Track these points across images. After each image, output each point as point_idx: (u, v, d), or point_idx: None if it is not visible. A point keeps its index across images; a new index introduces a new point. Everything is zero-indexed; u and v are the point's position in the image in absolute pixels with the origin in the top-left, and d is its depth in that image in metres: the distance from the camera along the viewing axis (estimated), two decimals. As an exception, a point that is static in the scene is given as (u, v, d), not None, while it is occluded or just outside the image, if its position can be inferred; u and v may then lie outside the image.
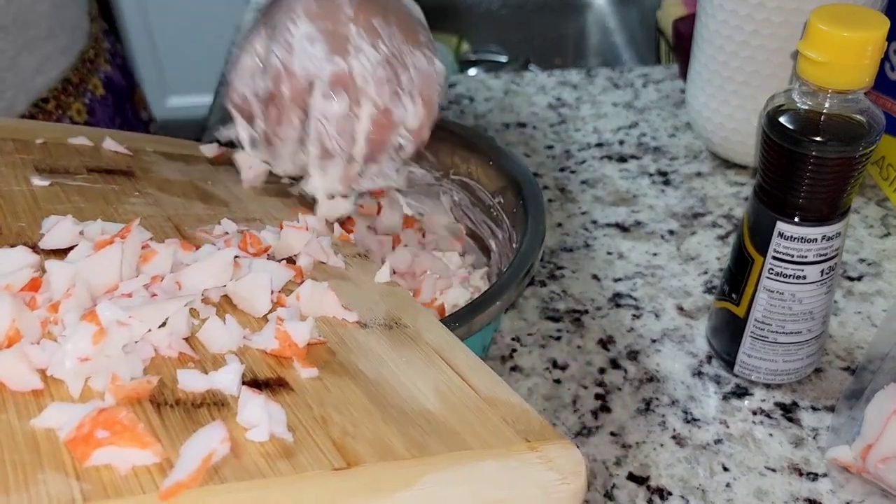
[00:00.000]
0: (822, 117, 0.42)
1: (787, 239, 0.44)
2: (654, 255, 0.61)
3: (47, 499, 0.25)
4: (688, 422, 0.49)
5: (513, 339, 0.54)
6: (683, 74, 0.80)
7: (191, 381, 0.31)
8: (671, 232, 0.63)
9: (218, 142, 0.55)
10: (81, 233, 0.38)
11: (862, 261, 0.59)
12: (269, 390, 0.32)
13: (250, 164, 0.52)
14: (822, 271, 0.45)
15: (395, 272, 0.51)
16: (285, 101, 0.47)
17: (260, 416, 0.30)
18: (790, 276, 0.45)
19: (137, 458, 0.28)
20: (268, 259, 0.41)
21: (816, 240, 0.44)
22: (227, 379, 0.32)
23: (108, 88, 0.70)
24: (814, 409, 0.49)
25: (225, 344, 0.34)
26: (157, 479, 0.27)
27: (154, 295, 0.35)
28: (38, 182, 0.43)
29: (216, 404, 0.31)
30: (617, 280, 0.59)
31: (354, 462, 0.30)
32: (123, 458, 0.28)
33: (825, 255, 0.45)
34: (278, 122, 0.48)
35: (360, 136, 0.48)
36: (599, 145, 0.73)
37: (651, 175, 0.69)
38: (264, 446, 0.30)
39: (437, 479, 0.31)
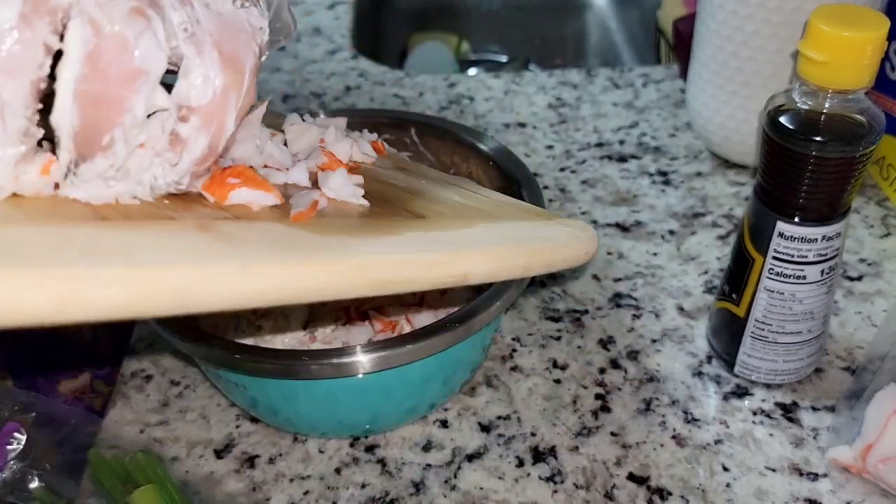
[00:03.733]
0: (823, 117, 0.42)
1: (787, 239, 0.44)
2: (655, 254, 0.61)
3: (210, 216, 0.32)
4: (688, 422, 0.48)
5: (513, 339, 0.54)
6: (683, 74, 0.80)
7: (272, 178, 0.38)
8: (671, 232, 0.63)
9: None
10: None
11: (862, 261, 0.59)
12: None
13: None
14: (822, 271, 0.45)
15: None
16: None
17: (342, 181, 0.39)
18: (790, 276, 0.45)
19: (263, 199, 0.35)
20: None
21: (817, 240, 0.44)
22: (298, 174, 0.39)
23: None
24: (814, 409, 0.49)
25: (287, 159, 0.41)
26: (280, 216, 0.34)
27: None
28: None
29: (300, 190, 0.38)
30: (617, 280, 0.59)
31: (421, 216, 0.39)
32: (253, 197, 0.34)
33: (825, 255, 0.45)
34: None
35: (63, 86, 0.27)
36: (599, 145, 0.73)
37: (651, 175, 0.69)
38: (350, 206, 0.38)
39: (490, 227, 0.40)
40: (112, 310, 0.25)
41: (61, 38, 0.26)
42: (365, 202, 0.39)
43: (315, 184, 0.40)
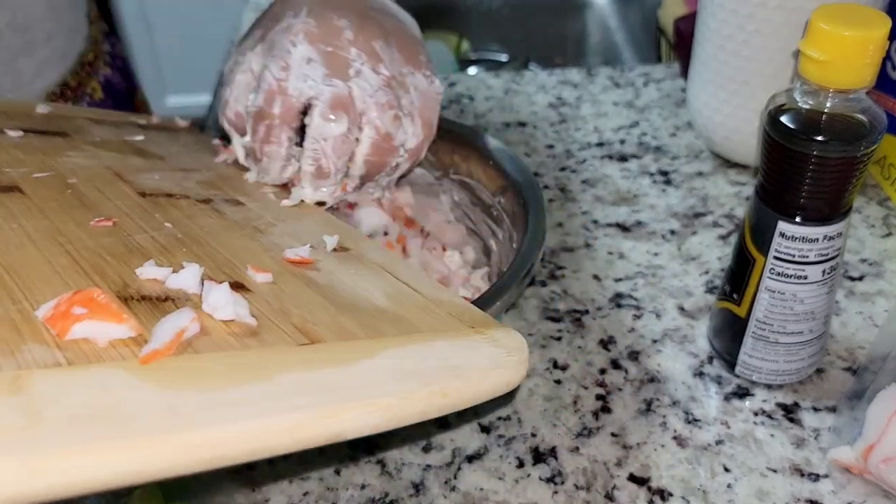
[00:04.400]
0: (824, 117, 0.42)
1: (788, 239, 0.44)
2: (655, 254, 0.61)
3: (34, 363, 0.26)
4: (689, 422, 0.48)
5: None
6: (684, 73, 0.80)
7: (151, 275, 0.34)
8: (672, 232, 0.63)
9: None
10: None
11: (863, 261, 0.59)
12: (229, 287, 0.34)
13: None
14: (823, 271, 0.45)
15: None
16: (275, 119, 0.47)
17: (225, 299, 0.32)
18: (791, 276, 0.45)
19: (114, 332, 0.29)
20: None
21: (818, 240, 0.44)
22: (187, 278, 0.34)
23: (106, 91, 0.70)
24: (815, 409, 0.49)
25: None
26: (134, 351, 0.28)
27: None
28: None
29: (180, 299, 0.33)
30: (618, 280, 0.59)
31: (317, 340, 0.33)
32: (101, 331, 0.29)
33: (827, 255, 0.45)
34: (266, 140, 0.48)
35: (358, 158, 0.48)
36: (600, 144, 0.73)
37: (652, 174, 0.69)
38: (231, 326, 0.32)
39: (394, 353, 0.34)
40: None
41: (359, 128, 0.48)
42: (251, 321, 0.33)
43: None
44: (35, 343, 0.28)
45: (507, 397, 0.50)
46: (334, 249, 0.43)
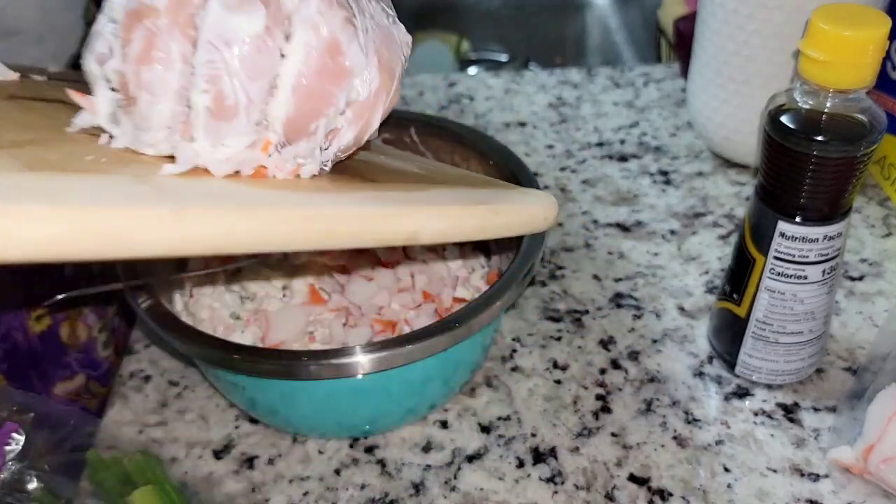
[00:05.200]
0: (824, 117, 0.42)
1: (788, 239, 0.44)
2: (655, 254, 0.61)
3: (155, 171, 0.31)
4: (689, 422, 0.48)
5: (513, 340, 0.54)
6: (684, 73, 0.80)
7: None
8: (672, 232, 0.63)
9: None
10: None
11: (863, 261, 0.59)
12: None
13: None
14: (823, 271, 0.45)
15: (398, 278, 0.51)
16: (159, 17, 0.29)
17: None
18: (791, 276, 0.45)
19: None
20: None
21: (818, 240, 0.44)
22: None
23: None
24: (815, 409, 0.49)
25: None
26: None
27: None
28: None
29: None
30: (618, 280, 0.59)
31: (376, 181, 0.37)
32: None
33: (826, 255, 0.45)
34: (144, 57, 0.30)
35: (284, 85, 0.31)
36: (600, 144, 0.73)
37: (652, 174, 0.69)
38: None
39: (446, 191, 0.38)
40: (36, 248, 0.24)
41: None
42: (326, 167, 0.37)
43: None
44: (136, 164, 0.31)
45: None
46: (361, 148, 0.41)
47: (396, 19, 0.37)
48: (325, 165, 0.35)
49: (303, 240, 0.30)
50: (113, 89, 0.32)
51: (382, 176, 0.38)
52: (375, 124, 0.35)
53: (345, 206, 0.32)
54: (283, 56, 0.31)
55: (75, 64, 0.66)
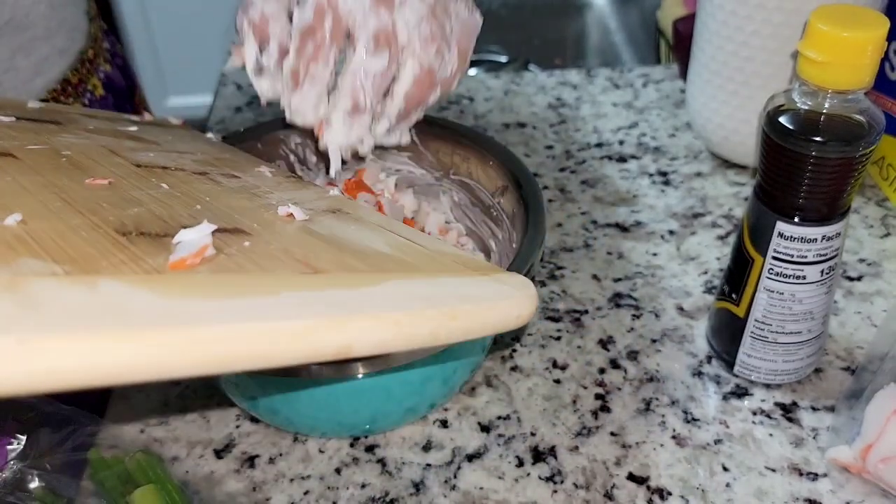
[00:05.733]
0: (822, 117, 0.42)
1: (786, 239, 0.44)
2: (654, 255, 0.61)
3: (31, 272, 0.25)
4: (688, 422, 0.49)
5: (513, 339, 0.54)
6: (683, 74, 0.80)
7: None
8: (671, 232, 0.63)
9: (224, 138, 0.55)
10: None
11: (862, 261, 0.59)
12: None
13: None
14: (822, 271, 0.45)
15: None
16: (326, 37, 0.44)
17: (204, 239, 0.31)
18: (790, 276, 0.45)
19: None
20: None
21: (816, 240, 0.44)
22: (197, 232, 0.31)
23: (107, 88, 0.70)
24: (814, 409, 0.49)
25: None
26: (132, 268, 0.28)
27: None
28: None
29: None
30: (617, 280, 0.59)
31: (321, 271, 0.32)
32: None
33: (825, 255, 0.45)
34: (314, 58, 0.45)
35: (398, 95, 0.46)
36: (599, 145, 0.73)
37: (651, 175, 0.69)
38: (231, 259, 0.31)
39: (401, 283, 0.33)
40: None
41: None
42: (302, 216, 0.37)
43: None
44: (30, 257, 0.26)
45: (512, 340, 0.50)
46: (334, 211, 0.42)
47: (475, 7, 0.48)
48: (410, 130, 0.50)
49: (193, 367, 0.25)
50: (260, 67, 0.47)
51: (334, 262, 0.33)
52: (454, 87, 0.49)
53: (259, 320, 0.27)
54: (394, 77, 0.46)
55: (81, 60, 0.66)
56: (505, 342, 0.54)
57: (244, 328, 0.26)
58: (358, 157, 0.52)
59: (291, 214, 0.39)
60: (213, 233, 0.31)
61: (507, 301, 0.34)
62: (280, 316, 0.27)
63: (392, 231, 0.41)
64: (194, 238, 0.30)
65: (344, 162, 0.49)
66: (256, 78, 0.47)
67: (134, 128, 0.51)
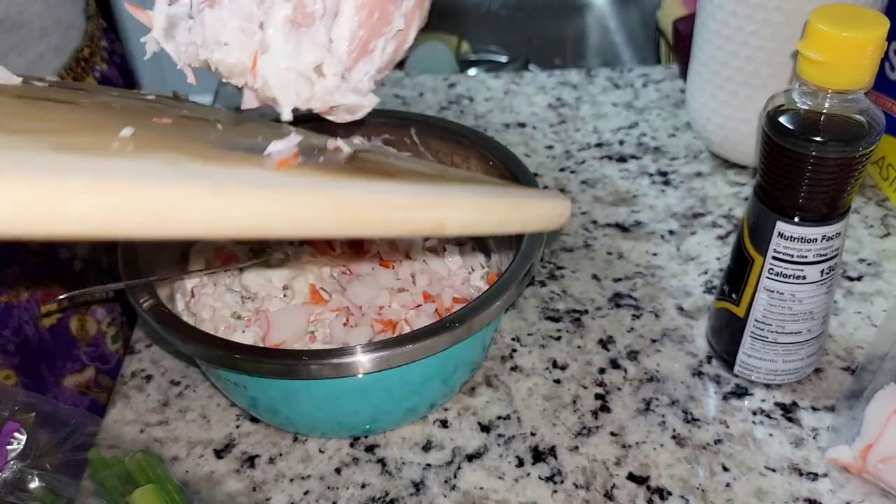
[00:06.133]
0: (822, 117, 0.42)
1: (786, 239, 0.44)
2: (654, 255, 0.61)
3: None
4: (688, 422, 0.49)
5: (513, 339, 0.54)
6: (683, 74, 0.80)
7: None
8: (671, 232, 0.63)
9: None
10: None
11: (862, 261, 0.59)
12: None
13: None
14: (821, 271, 0.45)
15: (398, 278, 0.51)
16: None
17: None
18: (790, 276, 0.45)
19: None
20: None
21: (816, 240, 0.44)
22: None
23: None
24: (814, 409, 0.49)
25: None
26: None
27: None
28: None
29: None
30: (617, 280, 0.59)
31: (395, 175, 0.37)
32: None
33: (825, 255, 0.45)
34: None
35: (347, 10, 0.34)
36: (599, 145, 0.73)
37: (651, 175, 0.69)
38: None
39: (465, 185, 0.38)
40: (80, 224, 0.24)
41: None
42: (348, 149, 0.38)
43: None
44: (172, 152, 0.30)
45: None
46: (366, 151, 0.43)
47: None
48: (371, 89, 0.38)
49: (335, 226, 0.30)
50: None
51: (399, 173, 0.38)
52: (410, 41, 0.38)
53: (375, 194, 0.32)
54: None
55: (77, 58, 0.66)
56: (505, 342, 0.54)
57: (375, 198, 0.31)
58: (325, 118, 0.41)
59: (339, 147, 0.39)
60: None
61: (550, 203, 0.40)
62: (391, 191, 0.32)
63: (427, 163, 0.46)
64: (285, 147, 0.33)
65: (300, 113, 0.38)
66: (166, 40, 0.37)
67: (151, 96, 0.51)
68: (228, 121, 0.45)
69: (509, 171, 0.52)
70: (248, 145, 0.35)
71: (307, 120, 0.42)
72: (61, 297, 0.46)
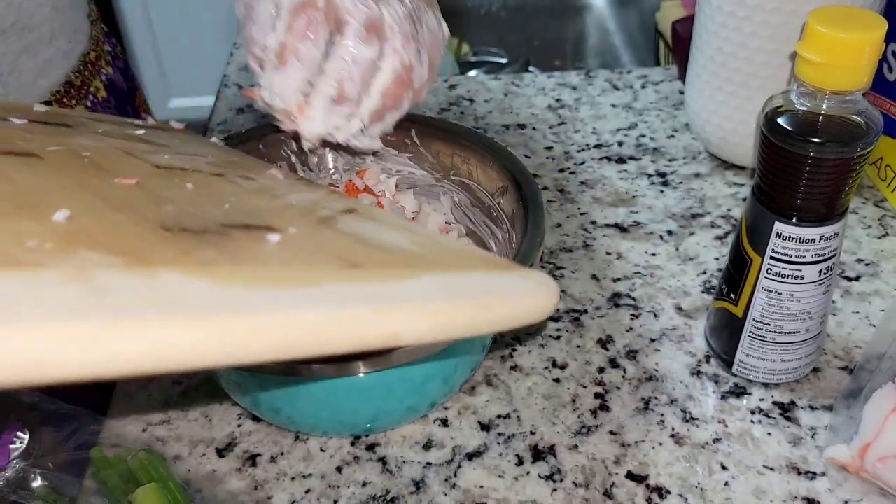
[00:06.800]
0: (820, 118, 0.42)
1: (785, 239, 0.45)
2: (653, 255, 0.61)
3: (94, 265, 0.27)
4: (686, 421, 0.49)
5: (513, 339, 0.55)
6: (682, 76, 0.80)
7: None
8: (670, 232, 0.63)
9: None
10: None
11: (860, 261, 0.60)
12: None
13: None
14: (819, 271, 0.46)
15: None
16: (318, 13, 0.43)
17: None
18: (788, 276, 0.46)
19: None
20: None
21: (814, 240, 0.44)
22: None
23: (109, 90, 0.70)
24: (812, 408, 0.49)
25: None
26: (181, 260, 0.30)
27: None
28: None
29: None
30: (616, 280, 0.59)
31: (358, 265, 0.34)
32: None
33: (823, 255, 0.45)
34: (304, 35, 0.44)
35: (376, 88, 0.45)
36: (598, 146, 0.74)
37: (650, 176, 0.69)
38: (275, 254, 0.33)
39: (436, 277, 0.35)
40: None
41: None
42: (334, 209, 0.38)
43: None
44: (88, 250, 0.27)
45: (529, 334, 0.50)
46: (349, 211, 0.42)
47: (442, 20, 0.50)
48: (380, 135, 0.49)
49: (256, 353, 0.26)
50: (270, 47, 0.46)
51: (368, 258, 0.35)
52: (422, 99, 0.49)
53: (312, 310, 0.28)
54: (378, 69, 0.45)
55: (84, 62, 0.66)
56: (505, 341, 0.54)
57: (300, 317, 0.27)
58: (329, 146, 0.53)
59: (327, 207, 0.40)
60: (244, 230, 0.33)
61: (531, 296, 0.37)
62: (331, 305, 0.29)
63: (410, 230, 0.42)
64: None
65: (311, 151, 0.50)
66: (270, 77, 0.47)
67: (141, 131, 0.51)
68: (209, 168, 0.44)
69: (509, 171, 0.53)
70: (204, 222, 0.33)
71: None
72: None
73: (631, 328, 0.55)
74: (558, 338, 0.55)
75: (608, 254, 0.61)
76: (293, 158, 0.57)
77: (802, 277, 0.45)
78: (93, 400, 0.62)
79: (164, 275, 0.26)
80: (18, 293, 0.23)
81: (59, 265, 0.25)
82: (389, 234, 0.40)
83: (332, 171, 0.57)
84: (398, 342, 0.30)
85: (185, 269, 0.27)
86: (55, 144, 0.41)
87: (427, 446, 0.48)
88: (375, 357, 0.41)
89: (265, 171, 0.48)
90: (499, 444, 0.48)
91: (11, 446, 0.47)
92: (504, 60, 1.18)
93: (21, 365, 0.22)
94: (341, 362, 0.41)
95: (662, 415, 0.49)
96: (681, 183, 0.68)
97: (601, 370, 0.52)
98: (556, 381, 0.52)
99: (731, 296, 0.49)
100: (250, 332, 0.26)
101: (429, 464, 0.47)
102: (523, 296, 0.36)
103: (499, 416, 0.50)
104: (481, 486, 0.46)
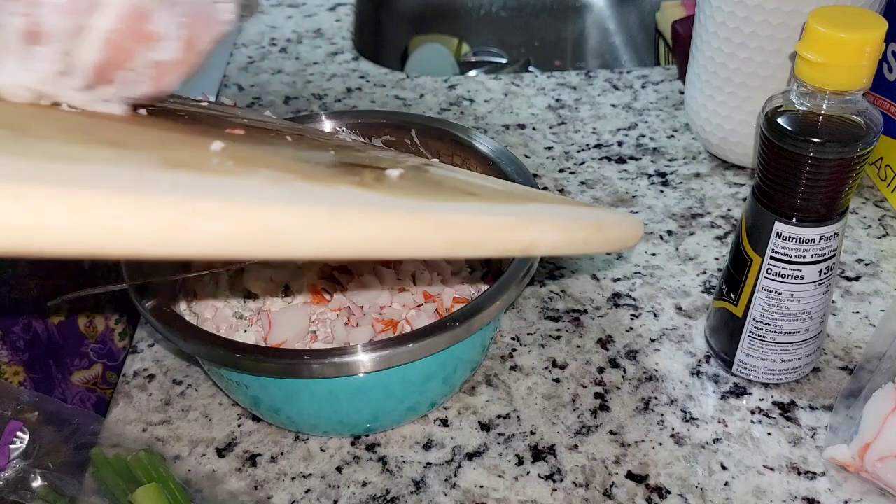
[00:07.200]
0: (820, 118, 0.42)
1: (784, 239, 0.45)
2: (653, 255, 0.61)
3: None
4: (686, 421, 0.49)
5: (513, 339, 0.55)
6: (682, 76, 0.80)
7: None
8: (670, 232, 0.63)
9: None
10: None
11: (860, 261, 0.60)
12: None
13: None
14: (819, 271, 0.46)
15: (398, 278, 0.51)
16: None
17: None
18: (788, 276, 0.46)
19: None
20: None
21: (814, 240, 0.44)
22: None
23: None
24: (812, 408, 0.49)
25: None
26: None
27: None
28: None
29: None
30: (616, 280, 0.59)
31: (476, 195, 0.37)
32: None
33: (823, 255, 0.45)
34: None
35: (95, 34, 0.34)
36: (598, 146, 0.74)
37: (650, 176, 0.69)
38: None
39: (546, 206, 0.39)
40: (208, 245, 0.24)
41: None
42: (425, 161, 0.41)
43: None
44: (263, 168, 0.31)
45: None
46: (428, 164, 0.44)
47: (228, 4, 0.38)
48: (119, 105, 0.37)
49: (433, 247, 0.30)
50: None
51: (485, 193, 0.38)
52: (174, 87, 0.37)
53: (473, 214, 0.32)
54: (98, 4, 0.34)
55: None
56: (505, 341, 0.54)
57: (472, 220, 0.32)
58: None
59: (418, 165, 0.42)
60: (363, 168, 0.36)
61: (627, 222, 0.41)
62: (481, 213, 0.32)
63: (491, 179, 0.45)
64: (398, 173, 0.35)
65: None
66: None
67: (205, 103, 0.51)
68: (288, 129, 0.45)
69: (509, 172, 0.53)
70: (328, 160, 0.36)
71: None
72: (65, 297, 0.47)
73: (631, 328, 0.55)
74: (558, 338, 0.55)
75: (608, 254, 0.61)
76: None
77: (802, 277, 0.45)
78: (97, 398, 0.62)
79: (340, 187, 0.30)
80: (251, 192, 0.26)
81: (251, 176, 0.28)
82: (478, 179, 0.43)
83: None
84: (533, 251, 0.34)
85: (353, 185, 0.31)
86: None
87: (427, 446, 0.48)
88: (376, 355, 0.41)
89: (333, 135, 0.49)
90: (499, 444, 0.48)
91: (11, 446, 0.47)
92: (504, 60, 1.18)
93: (269, 240, 0.26)
94: (342, 360, 0.41)
95: (662, 415, 0.49)
96: (681, 183, 0.68)
97: (601, 370, 0.52)
98: (556, 381, 0.52)
99: (731, 296, 0.49)
100: (432, 229, 0.30)
101: (429, 464, 0.47)
102: (622, 222, 0.40)
103: (499, 416, 0.50)
104: (481, 486, 0.46)
